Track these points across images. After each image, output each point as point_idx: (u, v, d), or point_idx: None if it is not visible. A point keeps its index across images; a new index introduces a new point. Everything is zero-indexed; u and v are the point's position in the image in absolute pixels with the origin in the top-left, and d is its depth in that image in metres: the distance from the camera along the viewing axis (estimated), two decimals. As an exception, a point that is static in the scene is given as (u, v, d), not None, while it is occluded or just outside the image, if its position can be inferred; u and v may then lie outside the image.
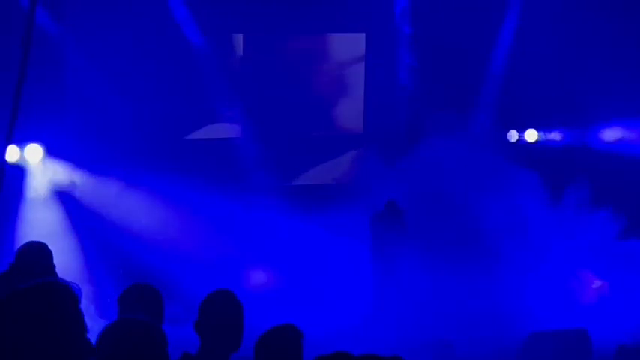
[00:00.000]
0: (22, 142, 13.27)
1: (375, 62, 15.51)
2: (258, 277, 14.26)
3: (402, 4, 15.39)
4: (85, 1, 14.34)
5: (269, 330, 4.56)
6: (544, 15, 15.04)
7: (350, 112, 15.76)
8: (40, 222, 13.33)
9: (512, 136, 15.48)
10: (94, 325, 3.44)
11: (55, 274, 6.53)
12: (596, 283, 14.36)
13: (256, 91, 15.33)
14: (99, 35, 14.36)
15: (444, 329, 11.92)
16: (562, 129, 15.55)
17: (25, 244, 6.65)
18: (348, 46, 15.66)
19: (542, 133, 15.57)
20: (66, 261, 12.94)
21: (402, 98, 15.57)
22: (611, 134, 15.21)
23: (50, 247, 6.54)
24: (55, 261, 6.50)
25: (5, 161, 7.87)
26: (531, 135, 15.62)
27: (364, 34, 15.63)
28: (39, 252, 6.46)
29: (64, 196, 14.02)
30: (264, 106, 15.31)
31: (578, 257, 14.32)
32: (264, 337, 4.54)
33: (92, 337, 3.14)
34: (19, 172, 13.53)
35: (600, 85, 14.63)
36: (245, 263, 14.38)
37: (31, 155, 13.64)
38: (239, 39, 15.45)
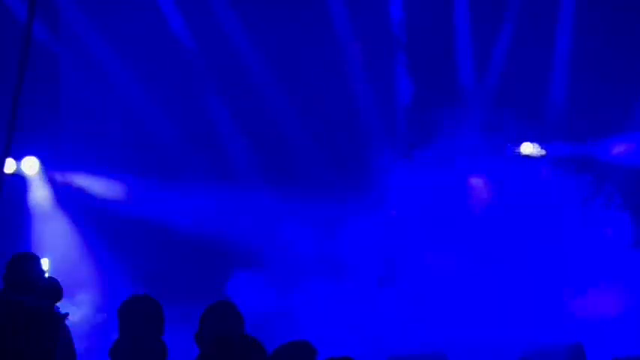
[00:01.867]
0: (17, 155, 13.30)
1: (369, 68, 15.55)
2: None
3: (399, 13, 15.45)
4: (81, 13, 14.40)
5: (282, 346, 4.43)
6: (544, 21, 15.09)
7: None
8: (47, 233, 13.40)
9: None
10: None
11: (45, 283, 6.42)
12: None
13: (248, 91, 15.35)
14: (94, 46, 14.45)
15: (439, 341, 11.92)
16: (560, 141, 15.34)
17: (14, 256, 6.54)
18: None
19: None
20: (76, 270, 13.10)
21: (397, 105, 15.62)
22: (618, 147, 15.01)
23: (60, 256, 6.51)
24: (65, 270, 6.49)
25: (4, 172, 7.84)
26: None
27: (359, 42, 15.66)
28: (29, 263, 6.37)
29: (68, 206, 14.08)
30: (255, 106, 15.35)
31: (579, 270, 14.12)
32: (276, 353, 4.37)
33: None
34: (18, 184, 13.56)
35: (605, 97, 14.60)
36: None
37: (29, 168, 13.68)
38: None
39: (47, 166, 14.10)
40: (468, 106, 14.98)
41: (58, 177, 14.18)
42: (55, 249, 13.29)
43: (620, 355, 10.93)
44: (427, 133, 14.58)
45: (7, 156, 8.65)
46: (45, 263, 12.24)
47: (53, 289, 5.77)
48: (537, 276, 13.95)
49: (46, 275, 7.10)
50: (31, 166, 13.72)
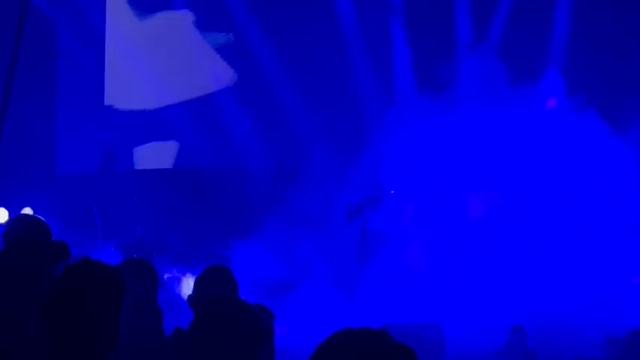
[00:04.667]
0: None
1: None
2: None
3: None
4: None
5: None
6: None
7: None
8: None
9: None
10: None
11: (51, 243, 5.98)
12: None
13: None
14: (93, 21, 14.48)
15: (434, 312, 11.95)
16: None
17: (14, 220, 6.03)
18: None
19: None
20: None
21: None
22: None
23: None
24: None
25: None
26: None
27: None
28: (32, 229, 5.52)
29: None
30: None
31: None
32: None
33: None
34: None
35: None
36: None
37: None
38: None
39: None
40: (468, 61, 14.78)
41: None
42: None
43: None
44: (426, 87, 14.43)
45: (4, 120, 8.64)
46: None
47: (60, 249, 5.50)
48: (539, 242, 13.56)
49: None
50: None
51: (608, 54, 14.66)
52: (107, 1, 14.83)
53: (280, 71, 15.22)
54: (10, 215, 12.63)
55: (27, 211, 12.12)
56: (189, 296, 4.70)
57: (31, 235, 5.38)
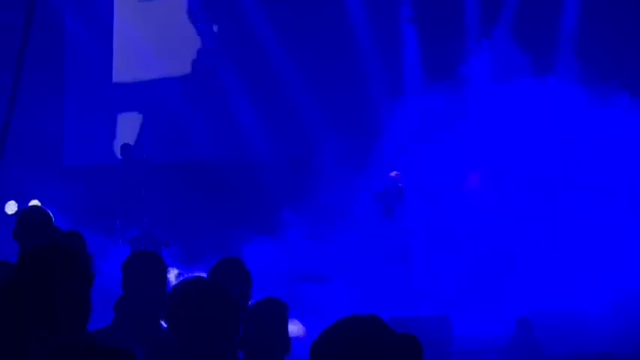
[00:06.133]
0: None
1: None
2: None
3: None
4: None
5: (255, 303, 4.44)
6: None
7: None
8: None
9: None
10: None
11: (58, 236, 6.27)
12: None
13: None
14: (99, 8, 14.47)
15: (444, 304, 11.96)
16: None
17: (25, 210, 6.43)
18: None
19: None
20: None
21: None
22: None
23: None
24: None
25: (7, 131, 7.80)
26: None
27: None
28: (40, 217, 5.92)
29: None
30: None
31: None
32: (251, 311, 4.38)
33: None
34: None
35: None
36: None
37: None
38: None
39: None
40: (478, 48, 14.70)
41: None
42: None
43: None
44: (437, 75, 14.35)
45: (12, 114, 8.65)
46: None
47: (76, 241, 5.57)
48: (548, 232, 13.46)
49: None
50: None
51: (620, 37, 14.50)
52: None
53: (290, 62, 15.19)
54: (19, 207, 12.66)
55: (34, 203, 12.13)
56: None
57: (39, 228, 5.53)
